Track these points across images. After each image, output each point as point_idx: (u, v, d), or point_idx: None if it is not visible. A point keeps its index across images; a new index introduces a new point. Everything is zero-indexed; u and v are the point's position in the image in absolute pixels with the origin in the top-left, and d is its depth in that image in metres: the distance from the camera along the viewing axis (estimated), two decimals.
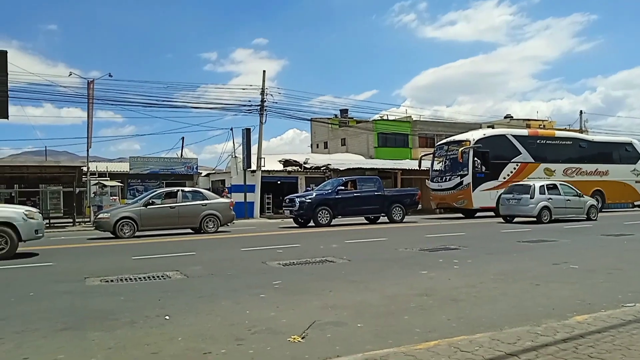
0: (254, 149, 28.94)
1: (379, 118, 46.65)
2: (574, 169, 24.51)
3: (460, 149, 22.18)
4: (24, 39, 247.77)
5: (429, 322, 4.53)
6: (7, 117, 26.90)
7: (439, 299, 5.53)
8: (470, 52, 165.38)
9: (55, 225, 24.36)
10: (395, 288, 6.20)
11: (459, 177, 22.33)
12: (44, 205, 29.29)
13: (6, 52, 27.36)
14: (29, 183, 26.98)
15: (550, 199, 17.60)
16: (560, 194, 18.23)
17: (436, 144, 27.67)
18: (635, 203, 27.12)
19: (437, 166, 24.61)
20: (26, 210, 10.70)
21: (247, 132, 28.61)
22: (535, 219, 17.55)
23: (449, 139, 25.38)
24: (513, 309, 5.01)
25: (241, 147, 29.26)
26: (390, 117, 46.96)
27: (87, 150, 26.99)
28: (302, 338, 4.09)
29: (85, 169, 25.27)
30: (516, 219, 18.60)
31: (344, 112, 51.72)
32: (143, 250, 11.23)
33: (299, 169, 32.45)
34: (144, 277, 7.43)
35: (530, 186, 18.18)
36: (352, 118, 50.93)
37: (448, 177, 23.04)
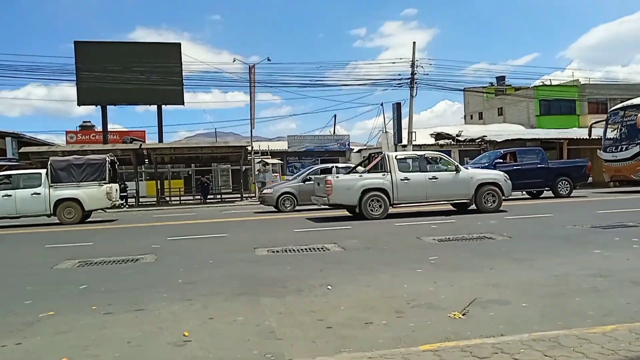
0: (404, 123, 28.75)
1: (541, 84, 43.14)
2: None
3: (639, 114, 19.59)
4: (193, 30, 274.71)
5: (604, 305, 4.17)
6: (183, 103, 30.24)
7: (616, 280, 5.03)
8: None
9: (226, 200, 26.94)
10: (564, 267, 5.78)
11: (638, 146, 19.76)
12: (216, 182, 32.54)
13: (180, 44, 30.61)
14: (203, 162, 30.09)
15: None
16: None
17: (609, 109, 24.76)
18: None
19: (610, 134, 22.01)
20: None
21: (397, 107, 28.47)
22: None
23: (625, 103, 22.51)
24: None
25: (392, 121, 29.26)
26: (554, 82, 43.08)
27: (251, 131, 29.22)
28: (463, 315, 4.05)
29: (249, 148, 27.39)
30: None
31: (500, 79, 48.82)
32: (302, 224, 11.91)
33: (452, 142, 31.48)
34: (306, 249, 7.91)
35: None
36: (509, 85, 47.88)
37: (624, 146, 20.49)
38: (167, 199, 27.91)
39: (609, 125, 22.22)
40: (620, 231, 8.63)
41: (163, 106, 30.50)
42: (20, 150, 24.22)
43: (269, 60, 29.03)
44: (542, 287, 4.89)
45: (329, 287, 5.18)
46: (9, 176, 15.28)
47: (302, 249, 7.92)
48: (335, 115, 41.52)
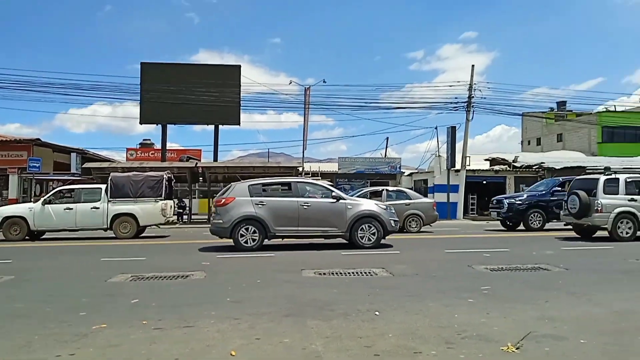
0: (458, 147, 28.31)
1: (604, 109, 41.49)
2: None
3: None
4: (253, 53, 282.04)
5: None
6: (239, 124, 30.99)
7: None
8: None
9: None
10: (626, 303, 5.48)
11: None
12: None
13: (239, 66, 31.54)
14: None
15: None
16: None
17: None
18: None
19: None
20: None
21: (452, 130, 28.14)
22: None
23: None
24: None
25: (445, 145, 28.90)
26: (619, 108, 41.37)
27: (303, 152, 29.59)
28: (517, 348, 3.90)
29: (300, 169, 27.68)
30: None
31: (561, 104, 47.46)
32: (350, 246, 11.85)
33: (507, 168, 30.68)
34: (353, 272, 7.87)
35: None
36: (570, 111, 46.43)
37: None
38: None
39: None
40: None
41: (220, 126, 31.38)
42: (83, 166, 25.47)
43: (324, 82, 29.47)
44: (601, 323, 4.66)
45: (377, 312, 5.13)
46: (72, 190, 16.09)
47: (349, 272, 7.88)
48: (387, 138, 41.32)
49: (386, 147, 41.34)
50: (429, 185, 30.34)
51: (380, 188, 18.28)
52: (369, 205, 12.02)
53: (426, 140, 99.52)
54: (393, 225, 11.81)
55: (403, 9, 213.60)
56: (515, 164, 30.64)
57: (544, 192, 17.97)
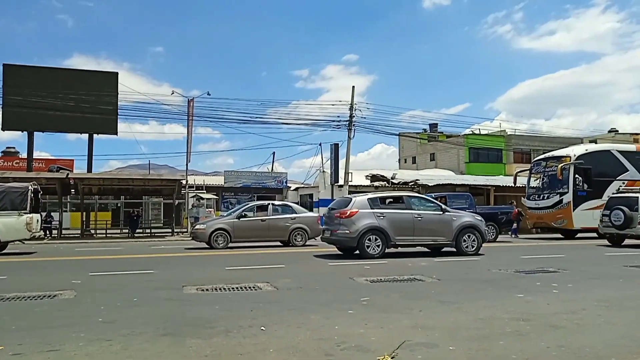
0: (341, 163, 29.28)
1: (471, 132, 45.37)
2: None
3: (560, 165, 20.90)
4: (134, 61, 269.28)
5: (526, 349, 4.30)
6: (116, 133, 29.36)
7: (537, 324, 5.23)
8: (571, 62, 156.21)
9: (155, 234, 26.02)
10: (489, 311, 5.95)
11: (559, 195, 21.05)
12: (146, 216, 31.43)
13: (117, 73, 29.95)
14: (133, 194, 29.06)
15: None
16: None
17: (533, 160, 26.35)
18: None
19: (534, 183, 23.40)
20: None
21: (335, 147, 29.04)
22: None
23: (547, 154, 24.09)
24: (621, 339, 4.64)
25: (329, 161, 29.70)
26: (483, 132, 45.48)
27: (187, 164, 28.71)
28: (392, 358, 4.05)
29: (184, 182, 26.80)
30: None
31: (433, 126, 50.88)
32: (235, 261, 11.66)
33: (386, 184, 32.25)
34: (237, 288, 7.72)
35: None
36: (442, 132, 49.93)
37: (546, 195, 21.80)
38: (93, 231, 26.61)
39: (532, 175, 23.62)
40: (541, 276, 9.04)
41: (95, 135, 29.46)
42: None
43: (208, 94, 29.07)
44: (468, 330, 5.00)
45: (262, 328, 5.05)
46: None
47: (233, 288, 7.72)
48: (274, 153, 41.78)
49: (273, 161, 41.60)
50: (314, 200, 30.95)
51: (266, 202, 18.24)
52: (469, 217, 13.61)
53: (311, 156, 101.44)
54: (486, 235, 13.67)
55: (289, 27, 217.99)
56: (393, 180, 32.31)
57: None
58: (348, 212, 12.52)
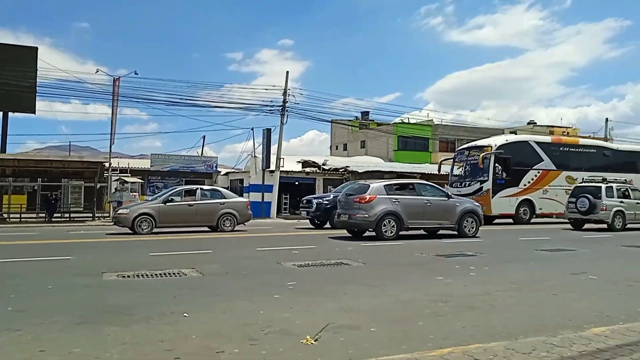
0: (273, 149, 29.11)
1: (400, 121, 46.49)
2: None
3: (481, 155, 21.87)
4: (56, 36, 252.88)
5: (443, 329, 4.50)
6: (34, 112, 27.51)
7: (455, 305, 5.48)
8: (497, 56, 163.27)
9: (75, 219, 24.80)
10: (411, 293, 6.17)
11: (479, 183, 22.06)
12: (65, 200, 29.85)
13: (37, 48, 28.01)
14: (52, 177, 27.49)
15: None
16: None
17: (457, 149, 27.43)
18: None
19: (457, 171, 24.37)
20: None
21: (267, 132, 28.77)
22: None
23: (470, 144, 25.14)
24: (530, 319, 4.95)
25: (261, 147, 29.45)
26: (412, 121, 46.77)
27: (110, 147, 27.48)
28: (315, 340, 4.10)
29: (107, 164, 25.66)
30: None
31: (365, 114, 51.70)
32: (160, 247, 11.35)
33: (318, 171, 32.50)
34: (161, 274, 7.51)
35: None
36: (372, 120, 50.87)
37: (468, 183, 22.79)
38: (6, 215, 24.95)
39: (455, 163, 24.57)
40: (460, 260, 9.48)
41: (10, 113, 27.48)
42: None
43: (136, 73, 27.63)
44: (390, 312, 5.15)
45: (185, 314, 4.95)
46: None
47: (156, 274, 7.50)
48: (204, 136, 40.74)
49: (203, 145, 40.69)
50: (244, 185, 30.63)
51: (194, 187, 17.83)
52: (469, 203, 15.37)
53: (243, 140, 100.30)
54: (482, 219, 15.32)
55: (223, 7, 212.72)
56: (324, 166, 32.61)
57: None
58: (367, 198, 13.65)
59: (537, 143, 23.65)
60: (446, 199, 14.60)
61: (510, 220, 22.11)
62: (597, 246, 12.56)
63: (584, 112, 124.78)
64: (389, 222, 13.51)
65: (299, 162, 35.24)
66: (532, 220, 22.52)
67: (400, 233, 13.66)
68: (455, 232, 14.47)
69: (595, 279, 7.48)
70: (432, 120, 47.18)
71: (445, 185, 24.51)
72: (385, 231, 13.39)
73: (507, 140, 23.44)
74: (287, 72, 29.61)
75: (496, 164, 22.01)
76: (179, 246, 11.61)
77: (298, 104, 29.43)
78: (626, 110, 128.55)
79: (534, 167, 22.84)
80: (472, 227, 14.66)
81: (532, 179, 22.65)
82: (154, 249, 10.78)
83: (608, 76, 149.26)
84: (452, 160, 25.23)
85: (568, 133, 50.21)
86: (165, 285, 6.69)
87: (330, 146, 56.45)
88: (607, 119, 44.70)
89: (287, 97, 28.82)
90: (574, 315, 5.07)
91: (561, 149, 24.02)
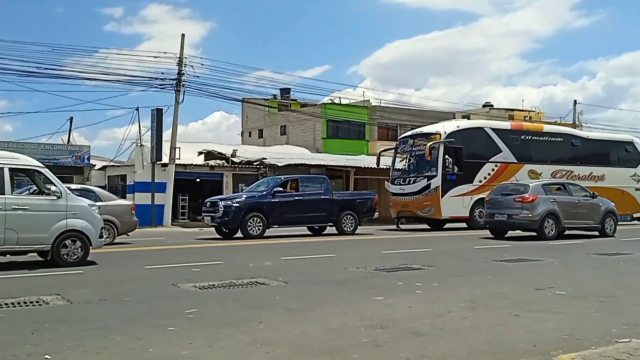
0: (166, 135, 28.54)
1: (330, 101, 46.93)
2: (564, 172, 25.41)
3: (428, 144, 22.29)
4: None
5: None
6: None
7: (397, 332, 5.62)
8: (446, 22, 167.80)
9: None
10: (343, 318, 6.25)
11: (426, 179, 22.59)
12: None
13: None
14: None
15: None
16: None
17: (399, 137, 28.08)
18: (635, 215, 28.48)
19: (399, 164, 24.94)
20: None
21: (158, 114, 28.15)
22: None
23: (415, 131, 25.84)
24: (486, 345, 5.16)
25: (150, 132, 28.72)
26: (344, 101, 47.34)
27: None
28: None
29: None
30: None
31: (285, 92, 51.67)
32: (4, 266, 10.82)
33: (225, 164, 32.19)
34: (12, 303, 7.15)
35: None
36: (295, 100, 50.99)
37: (412, 179, 23.31)
38: None
39: (397, 154, 25.15)
40: (404, 274, 9.74)
41: None
42: None
43: None
44: (317, 343, 5.20)
45: (47, 356, 4.73)
46: None
47: (6, 303, 7.13)
48: (71, 118, 38.72)
49: (70, 130, 38.85)
50: (128, 183, 29.77)
51: None
52: (608, 202, 18.91)
53: (125, 124, 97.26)
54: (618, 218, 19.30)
55: None
56: (233, 159, 32.34)
57: (264, 192, 19.30)
58: (530, 198, 17.01)
59: (495, 130, 24.65)
60: (590, 198, 18.27)
61: (464, 225, 22.97)
62: (566, 255, 13.34)
63: (549, 93, 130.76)
64: (549, 222, 16.98)
65: (200, 152, 34.76)
66: None
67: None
68: (597, 233, 18.12)
69: (563, 294, 7.94)
70: (369, 100, 48.00)
71: (386, 182, 25.09)
72: (548, 232, 16.86)
73: (458, 127, 24.25)
74: (183, 35, 29.11)
75: (446, 156, 22.70)
76: (33, 266, 11.00)
77: (199, 77, 29.04)
78: (597, 90, 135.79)
79: (490, 160, 23.82)
80: (612, 227, 18.40)
81: (489, 174, 23.59)
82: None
83: (576, 49, 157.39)
84: (393, 150, 25.79)
85: (531, 118, 52.91)
86: (19, 318, 6.39)
87: (242, 132, 56.11)
88: (575, 102, 47.58)
89: (183, 68, 28.31)
90: (539, 339, 5.34)
91: (522, 137, 25.19)
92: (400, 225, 24.27)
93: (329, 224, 20.24)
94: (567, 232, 18.12)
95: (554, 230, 17.02)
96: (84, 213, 11.36)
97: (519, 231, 17.95)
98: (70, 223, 11.01)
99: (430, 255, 12.77)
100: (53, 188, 10.97)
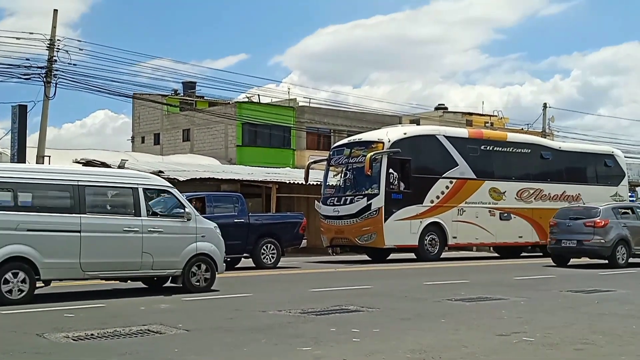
0: (32, 139, 27.77)
1: (246, 99, 46.74)
2: (532, 191, 25.97)
3: (368, 155, 22.23)
4: None
5: None
6: None
7: None
8: (391, 5, 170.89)
9: None
10: None
11: (366, 199, 22.49)
12: None
13: None
14: None
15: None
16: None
17: (333, 146, 28.13)
18: None
19: (332, 180, 24.81)
20: None
21: (21, 112, 27.35)
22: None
23: (352, 138, 25.86)
24: None
25: (10, 135, 27.93)
26: (265, 100, 47.29)
27: None
28: None
29: None
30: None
31: (189, 86, 51.20)
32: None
33: None
34: None
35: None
36: (202, 97, 50.56)
37: (349, 198, 23.16)
38: None
39: (331, 167, 25.00)
40: (338, 318, 9.76)
41: None
42: None
43: None
44: None
45: None
46: None
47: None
48: None
49: None
50: None
51: None
52: None
53: None
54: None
55: None
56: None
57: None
58: (602, 222, 19.52)
59: (449, 139, 24.85)
60: None
61: (413, 255, 23.15)
62: (534, 292, 13.66)
63: (515, 94, 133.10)
64: (621, 248, 19.51)
65: (78, 161, 33.96)
66: (444, 255, 23.72)
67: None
68: None
69: (532, 341, 8.09)
70: (295, 100, 48.07)
71: (316, 202, 24.96)
72: (619, 259, 19.35)
73: (405, 134, 24.31)
74: (56, 10, 28.41)
75: (390, 170, 22.63)
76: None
77: (76, 65, 28.37)
78: (572, 92, 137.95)
79: (444, 175, 24.05)
80: None
81: (443, 192, 23.81)
82: None
83: (547, 42, 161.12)
84: (325, 162, 25.72)
85: (492, 124, 54.20)
86: None
87: (133, 137, 55.17)
88: (545, 105, 48.96)
89: (56, 54, 27.65)
90: None
91: (483, 147, 25.55)
92: (334, 255, 24.21)
93: (244, 254, 20.07)
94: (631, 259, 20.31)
95: (625, 257, 19.46)
96: (211, 236, 13.41)
97: (587, 258, 20.71)
98: (200, 246, 13.02)
99: (371, 294, 12.83)
100: (185, 210, 12.93)
